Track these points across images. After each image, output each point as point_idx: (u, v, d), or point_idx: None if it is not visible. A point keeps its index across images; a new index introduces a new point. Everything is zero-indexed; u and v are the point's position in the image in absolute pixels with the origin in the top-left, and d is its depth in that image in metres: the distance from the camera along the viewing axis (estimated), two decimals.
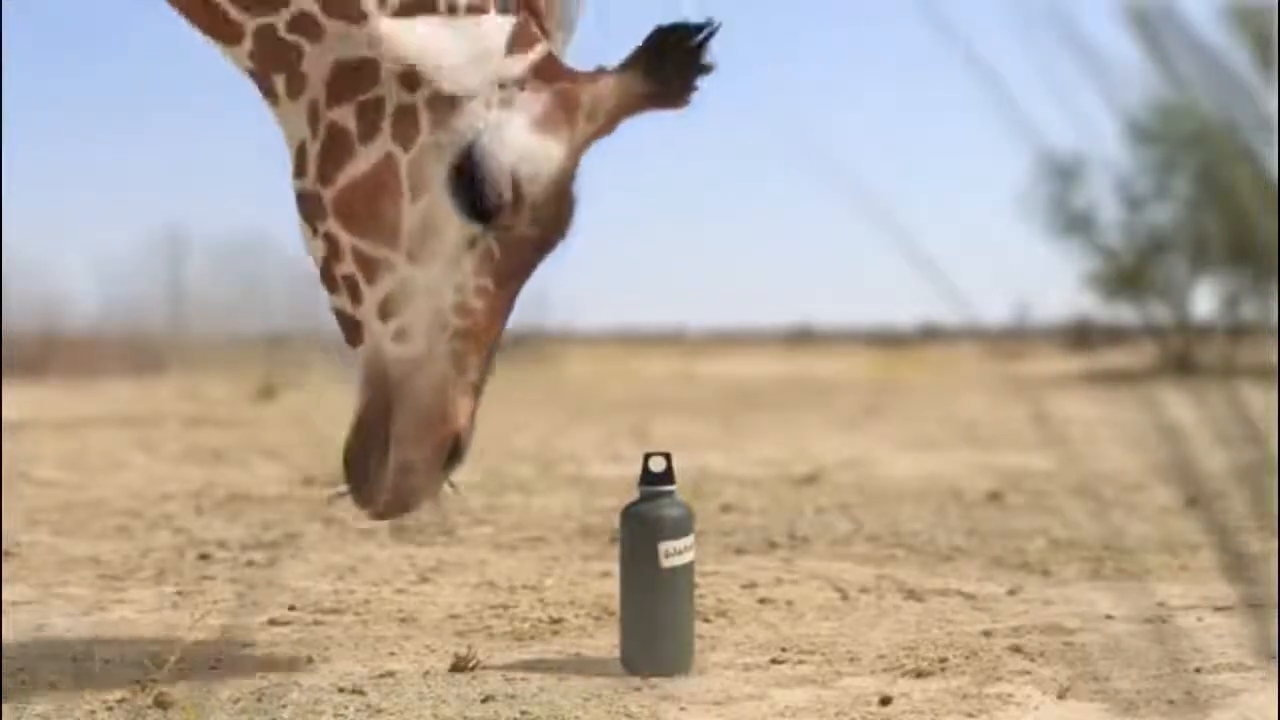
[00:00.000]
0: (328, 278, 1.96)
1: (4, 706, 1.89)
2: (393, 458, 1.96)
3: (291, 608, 2.56)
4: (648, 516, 2.06)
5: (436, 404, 1.93)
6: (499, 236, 1.90)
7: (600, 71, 1.94)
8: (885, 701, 1.89)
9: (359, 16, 1.91)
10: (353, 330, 1.98)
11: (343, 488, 2.03)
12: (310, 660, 2.17)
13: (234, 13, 1.95)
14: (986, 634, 2.31)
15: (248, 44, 1.96)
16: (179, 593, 2.74)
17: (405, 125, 1.90)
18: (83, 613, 2.56)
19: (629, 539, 2.08)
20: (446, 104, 1.89)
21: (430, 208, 1.90)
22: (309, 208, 1.95)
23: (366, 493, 2.01)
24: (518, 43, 1.93)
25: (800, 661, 2.14)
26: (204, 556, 3.15)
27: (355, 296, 1.95)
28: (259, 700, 1.92)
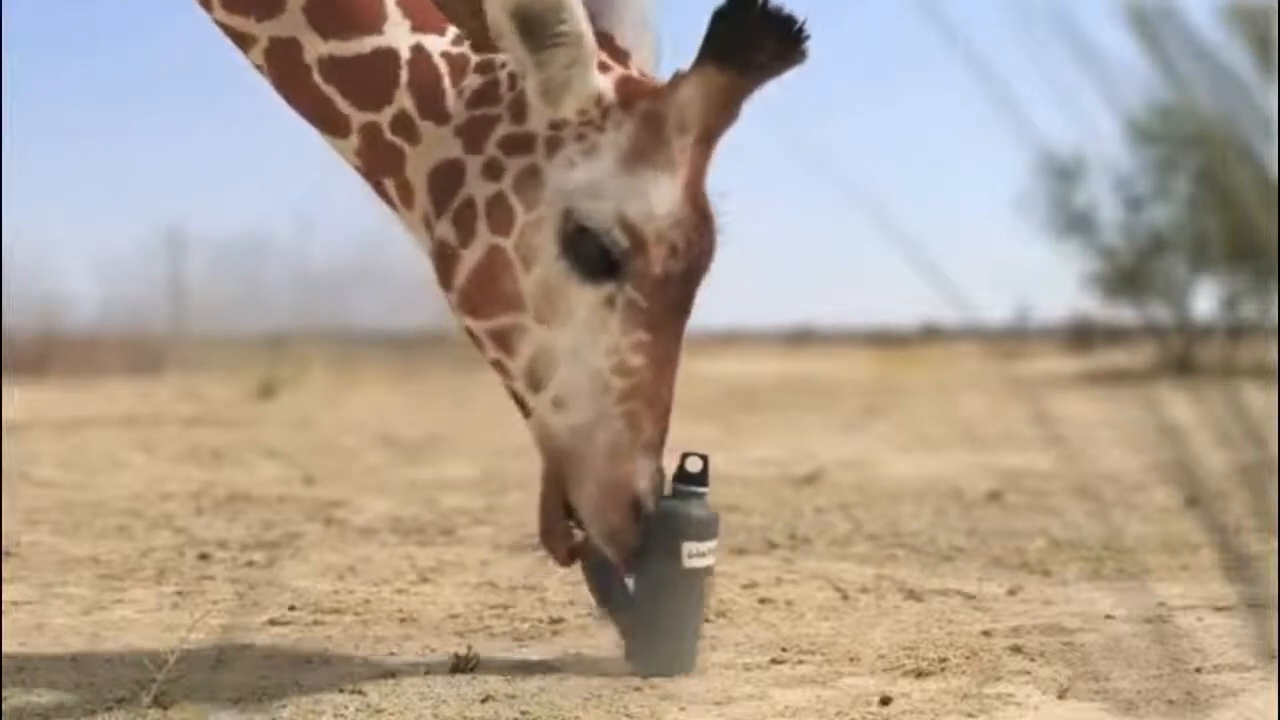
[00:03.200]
0: (493, 366, 1.98)
1: (4, 706, 1.89)
2: (587, 528, 1.96)
3: (291, 608, 2.56)
4: (676, 513, 2.02)
5: (612, 472, 1.90)
6: (638, 284, 1.86)
7: (679, 76, 1.89)
8: (885, 701, 1.89)
9: (444, 117, 1.91)
10: (521, 405, 1.97)
11: (538, 544, 2.05)
12: (310, 660, 2.17)
13: (343, 105, 1.94)
14: (986, 634, 2.31)
15: (354, 140, 1.96)
16: (179, 593, 2.73)
17: (499, 215, 1.89)
18: (83, 613, 2.56)
19: (653, 533, 2.06)
20: (532, 180, 1.87)
21: (546, 275, 1.87)
22: (454, 311, 1.97)
23: (561, 554, 2.03)
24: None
25: (800, 661, 2.14)
26: (204, 556, 3.15)
27: (506, 373, 1.94)
28: (259, 700, 1.92)
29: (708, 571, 2.06)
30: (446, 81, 1.93)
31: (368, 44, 1.93)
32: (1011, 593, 2.71)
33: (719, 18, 1.83)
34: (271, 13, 1.95)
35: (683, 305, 1.90)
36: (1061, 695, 1.93)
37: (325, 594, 2.70)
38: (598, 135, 1.87)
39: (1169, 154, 13.70)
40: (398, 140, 1.94)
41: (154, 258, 14.73)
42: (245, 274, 14.57)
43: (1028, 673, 2.05)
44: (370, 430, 6.78)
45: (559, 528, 1.98)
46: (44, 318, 12.97)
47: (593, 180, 1.86)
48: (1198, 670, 2.05)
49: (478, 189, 1.90)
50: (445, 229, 1.92)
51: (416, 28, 1.95)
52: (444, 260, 1.93)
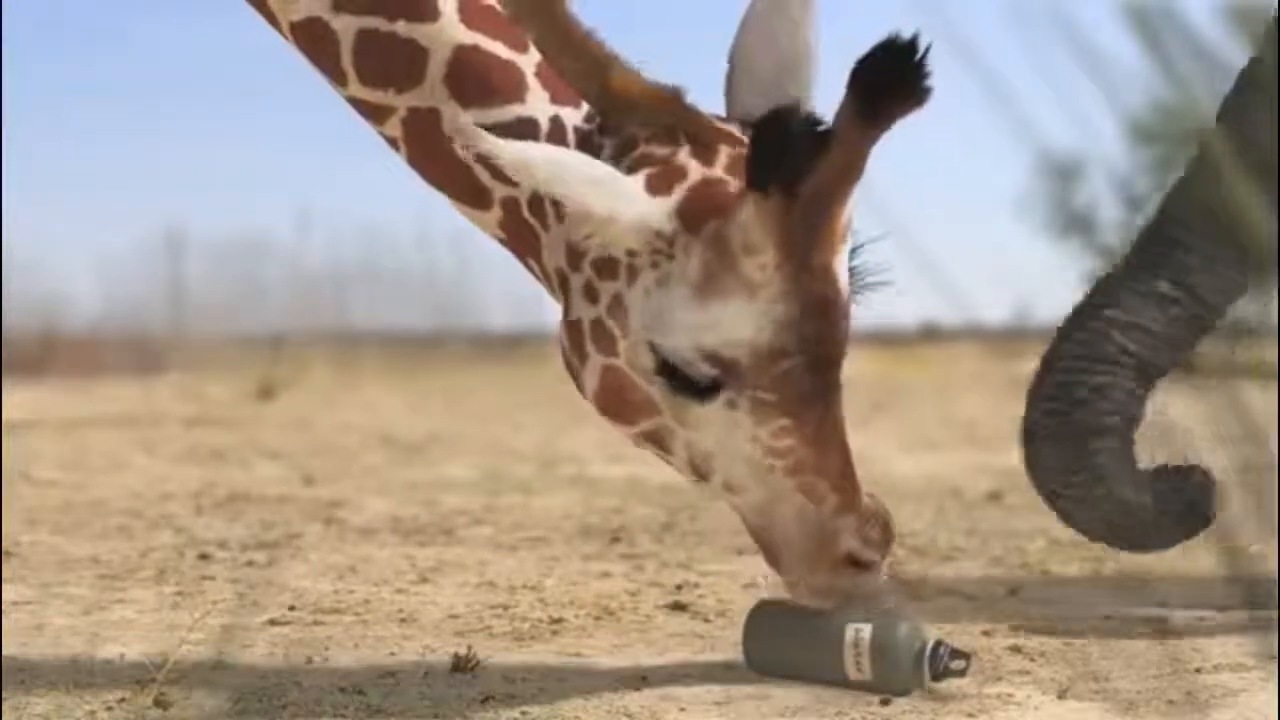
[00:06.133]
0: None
1: (4, 706, 1.89)
2: (812, 592, 1.91)
3: (291, 608, 2.56)
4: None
5: (808, 539, 1.86)
6: (755, 385, 1.80)
7: (742, 193, 1.78)
8: (885, 701, 1.89)
9: (560, 216, 1.87)
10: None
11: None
12: (310, 660, 2.16)
13: (484, 177, 1.90)
14: (986, 634, 2.31)
15: (497, 213, 1.93)
16: (179, 593, 2.73)
17: (604, 339, 1.86)
18: (83, 613, 2.56)
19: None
20: (619, 309, 1.84)
21: (660, 395, 1.85)
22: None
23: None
24: (655, 189, 1.82)
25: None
26: (204, 556, 3.15)
27: (671, 464, 1.93)
28: (259, 700, 1.91)
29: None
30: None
31: (510, 113, 1.87)
32: (1012, 593, 2.71)
33: (759, 137, 1.74)
34: (411, 84, 1.89)
35: (821, 388, 1.82)
36: (1061, 695, 1.93)
37: (325, 594, 2.70)
38: (668, 264, 1.81)
39: (1169, 154, 13.70)
40: (534, 221, 1.90)
41: (154, 258, 14.74)
42: (245, 274, 14.58)
43: (1028, 673, 2.05)
44: (370, 430, 6.78)
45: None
46: (44, 318, 12.97)
47: (665, 314, 1.81)
48: (1198, 670, 2.05)
49: (582, 311, 1.87)
50: (564, 342, 1.91)
51: (554, 99, 1.89)
52: (571, 372, 1.93)
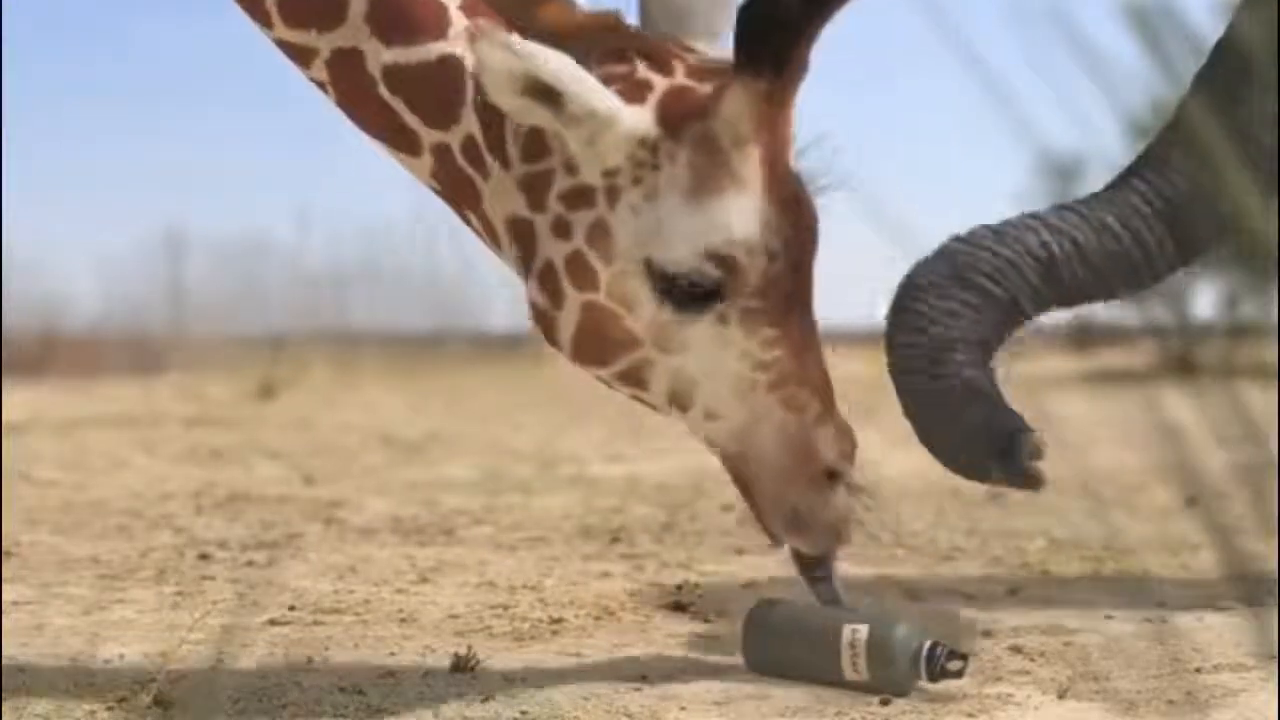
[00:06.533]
0: (632, 399, 1.94)
1: (4, 706, 1.89)
2: (776, 521, 1.90)
3: (291, 608, 2.56)
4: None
5: (788, 454, 1.85)
6: (745, 294, 1.81)
7: (723, 88, 1.78)
8: (885, 702, 1.89)
9: (508, 162, 1.84)
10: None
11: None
12: (310, 660, 2.16)
13: (410, 120, 1.87)
14: (986, 634, 2.31)
15: (428, 160, 1.89)
16: (179, 593, 2.73)
17: (582, 274, 1.83)
18: (83, 613, 2.56)
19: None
20: (603, 234, 1.81)
21: (651, 315, 1.83)
22: (573, 363, 1.94)
23: (774, 539, 1.96)
24: (631, 100, 1.80)
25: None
26: (204, 556, 3.15)
27: (647, 404, 1.91)
28: (259, 700, 1.92)
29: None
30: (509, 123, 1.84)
31: (433, 51, 1.85)
32: (1011, 593, 2.71)
33: (744, 17, 1.74)
34: (333, 24, 1.87)
35: (800, 293, 1.84)
36: (1061, 695, 1.93)
37: (325, 594, 2.70)
38: (654, 175, 1.79)
39: None
40: (469, 170, 1.87)
41: (154, 258, 14.73)
42: (245, 274, 14.58)
43: (1028, 673, 2.05)
44: (370, 430, 6.77)
45: (764, 520, 1.93)
46: (44, 318, 12.97)
47: (662, 225, 1.79)
48: (1198, 670, 2.05)
49: (554, 250, 1.84)
50: (534, 293, 1.87)
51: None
52: (543, 323, 1.89)
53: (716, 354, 1.83)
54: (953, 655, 1.92)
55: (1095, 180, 2.17)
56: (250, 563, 3.08)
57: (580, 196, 1.82)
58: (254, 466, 5.20)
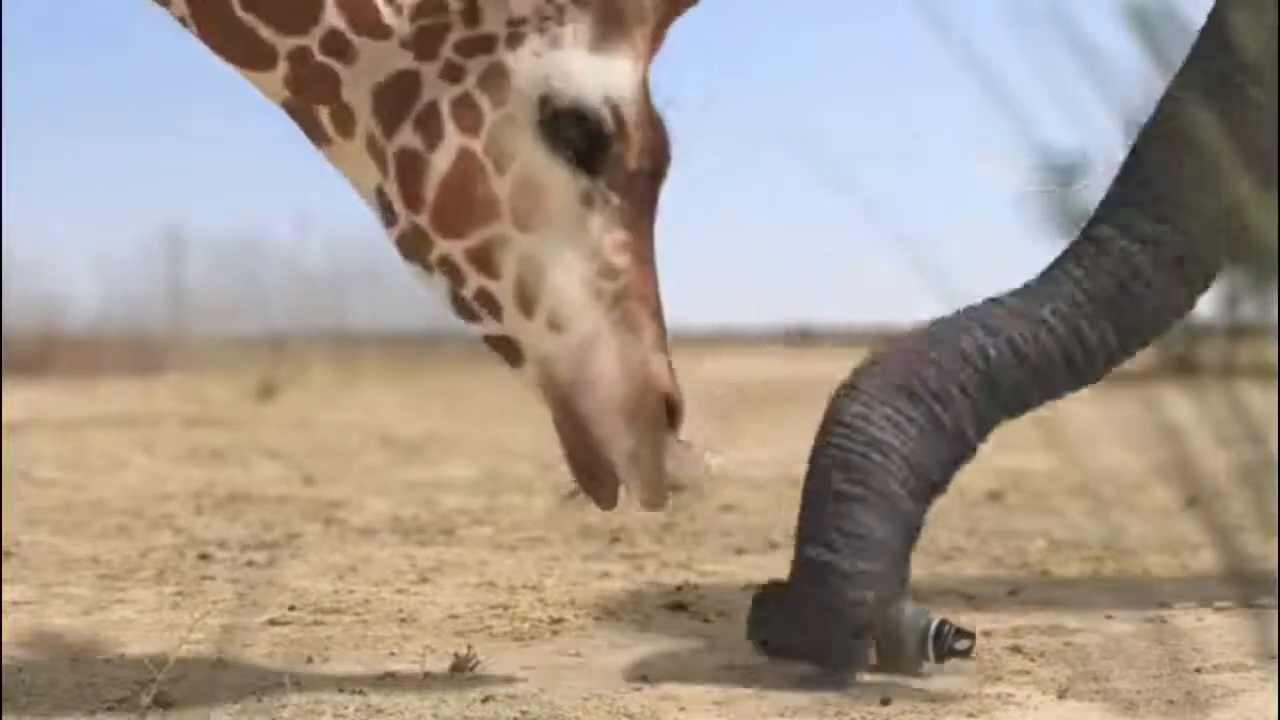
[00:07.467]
0: (463, 309, 1.87)
1: (4, 706, 1.89)
2: (616, 454, 1.82)
3: (291, 608, 2.56)
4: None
5: (627, 378, 1.80)
6: (610, 181, 1.80)
7: None
8: (885, 701, 1.89)
9: (384, 32, 1.83)
10: (510, 350, 1.87)
11: (579, 493, 1.91)
12: (310, 660, 2.16)
13: (266, 34, 1.85)
14: (986, 634, 2.31)
15: (281, 69, 1.86)
16: (179, 593, 2.74)
17: (466, 114, 1.82)
18: (83, 613, 2.56)
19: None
20: (498, 76, 1.81)
21: (524, 174, 1.80)
22: (412, 245, 1.86)
23: (607, 496, 1.89)
24: None
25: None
26: (204, 556, 3.15)
27: (492, 307, 1.84)
28: (259, 700, 1.91)
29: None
30: None
31: None
32: (1012, 593, 2.71)
33: None
34: None
35: (651, 205, 1.85)
36: (1061, 695, 1.93)
37: (325, 594, 2.70)
38: (559, 27, 1.82)
39: None
40: (330, 61, 1.85)
41: (154, 258, 14.73)
42: (245, 274, 14.58)
43: (1028, 673, 2.05)
44: (370, 430, 6.78)
45: (600, 468, 1.87)
46: (44, 318, 12.98)
47: (567, 64, 1.80)
48: (1198, 670, 2.05)
49: (439, 92, 1.82)
50: (408, 137, 1.83)
51: None
52: (410, 173, 1.83)
53: (572, 239, 1.81)
54: (960, 634, 1.92)
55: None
56: (250, 563, 3.08)
57: (479, 44, 1.84)
58: (254, 466, 5.20)
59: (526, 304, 1.82)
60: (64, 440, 6.23)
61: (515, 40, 1.83)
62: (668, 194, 1.88)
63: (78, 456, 5.52)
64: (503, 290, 1.83)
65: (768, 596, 2.04)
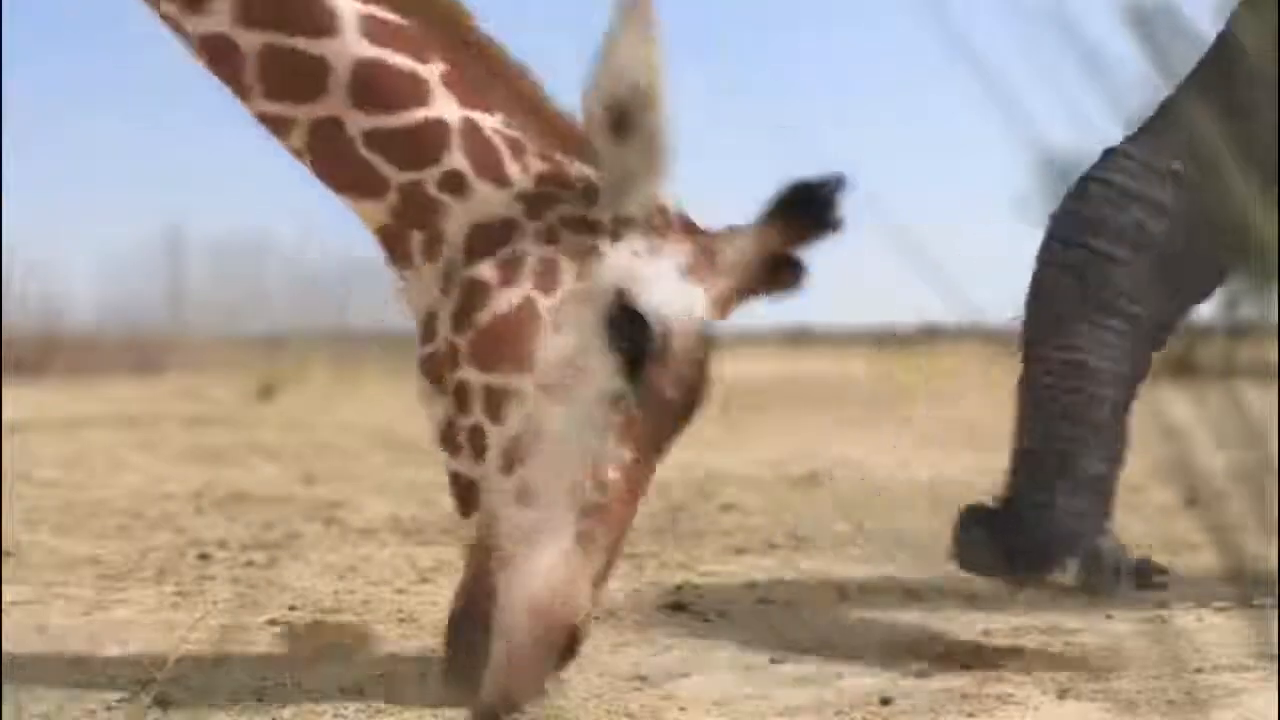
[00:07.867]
0: (449, 439, 1.85)
1: (4, 706, 1.89)
2: (497, 648, 1.74)
3: (291, 608, 2.56)
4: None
5: (555, 588, 1.74)
6: (642, 400, 1.79)
7: (734, 228, 1.90)
8: (885, 701, 1.89)
9: (505, 181, 1.87)
10: (467, 495, 1.84)
11: (442, 661, 1.82)
12: (310, 660, 2.17)
13: (385, 169, 1.89)
14: (986, 634, 2.31)
15: (391, 198, 1.90)
16: (179, 593, 2.74)
17: (549, 273, 1.83)
18: (83, 613, 2.56)
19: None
20: (591, 256, 1.83)
21: (575, 347, 1.80)
22: (437, 365, 1.88)
23: (461, 679, 1.78)
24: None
25: (800, 661, 2.14)
26: (204, 556, 3.15)
27: (477, 448, 1.81)
28: (259, 700, 1.92)
29: None
30: (504, 154, 1.88)
31: (416, 115, 1.88)
32: (1012, 593, 2.71)
33: (798, 190, 1.88)
34: (314, 96, 1.89)
35: (665, 442, 1.84)
36: (1061, 695, 1.93)
37: (325, 594, 2.70)
38: (662, 241, 1.85)
39: None
40: (442, 195, 1.89)
41: (154, 258, 14.73)
42: (245, 274, 14.58)
43: (1028, 673, 2.06)
44: (370, 430, 6.78)
45: (475, 635, 1.77)
46: (44, 318, 12.97)
47: (658, 272, 1.83)
48: (1198, 670, 2.05)
49: (531, 248, 1.85)
50: (486, 269, 1.84)
51: (463, 104, 1.89)
52: (473, 298, 1.84)
53: (586, 431, 1.78)
54: (1159, 569, 2.11)
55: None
56: (250, 563, 3.08)
57: (584, 224, 1.85)
58: (254, 466, 5.20)
59: (510, 461, 1.79)
60: (64, 440, 6.23)
61: (619, 233, 1.85)
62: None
63: (78, 456, 5.52)
64: (497, 437, 1.80)
65: (977, 518, 2.13)
